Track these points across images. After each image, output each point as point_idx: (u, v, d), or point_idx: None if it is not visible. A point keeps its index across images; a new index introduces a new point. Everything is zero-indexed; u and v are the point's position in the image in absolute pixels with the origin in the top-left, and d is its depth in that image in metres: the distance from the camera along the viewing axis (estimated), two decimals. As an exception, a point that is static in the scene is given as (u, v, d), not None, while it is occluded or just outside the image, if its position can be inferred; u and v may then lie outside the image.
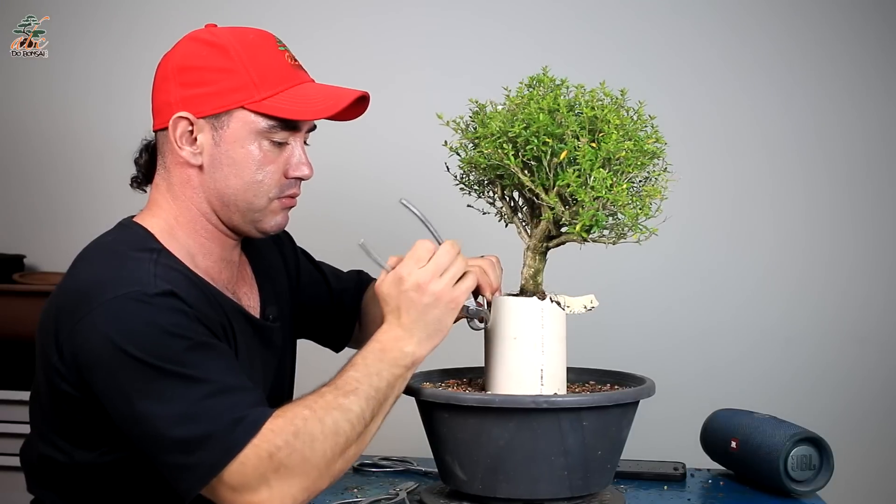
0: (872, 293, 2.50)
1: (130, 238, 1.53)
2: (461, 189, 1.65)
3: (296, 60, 1.59)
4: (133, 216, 1.59)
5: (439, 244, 1.51)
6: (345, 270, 1.96)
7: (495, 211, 1.64)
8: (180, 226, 1.56)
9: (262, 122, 1.52)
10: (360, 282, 1.95)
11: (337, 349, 1.96)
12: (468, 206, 1.65)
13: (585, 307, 1.59)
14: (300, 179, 1.59)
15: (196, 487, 1.37)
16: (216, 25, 1.60)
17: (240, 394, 1.39)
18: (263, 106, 1.52)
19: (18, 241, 2.72)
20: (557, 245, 1.57)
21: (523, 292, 1.58)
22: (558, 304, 1.56)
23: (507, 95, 1.59)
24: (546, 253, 1.58)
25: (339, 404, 1.41)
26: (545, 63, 1.61)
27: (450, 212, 2.52)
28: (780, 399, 2.41)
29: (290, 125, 1.54)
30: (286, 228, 1.86)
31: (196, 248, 1.57)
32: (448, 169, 1.65)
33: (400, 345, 1.48)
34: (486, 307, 1.57)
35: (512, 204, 1.62)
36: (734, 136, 2.51)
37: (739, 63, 2.51)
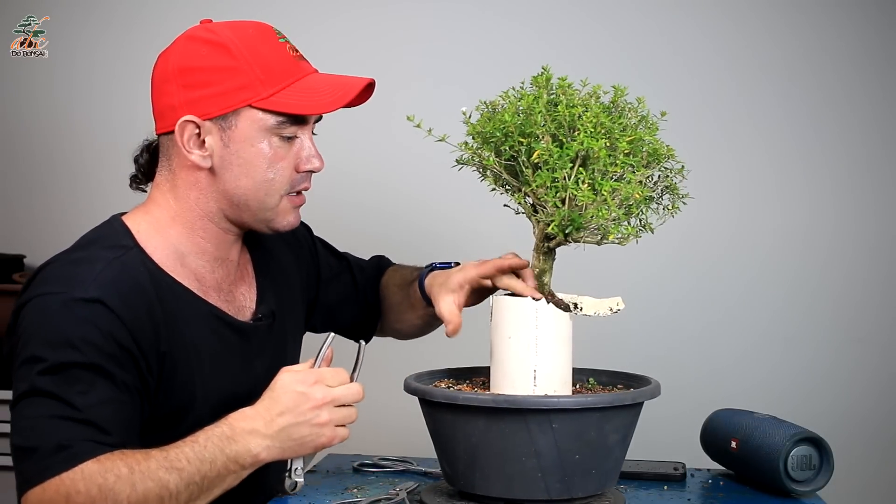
0: (872, 293, 2.50)
1: (106, 234, 1.54)
2: (492, 190, 1.61)
3: (297, 52, 1.57)
4: (125, 212, 1.60)
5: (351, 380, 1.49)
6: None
7: (521, 210, 1.61)
8: (176, 225, 1.56)
9: (271, 119, 1.52)
10: (380, 268, 1.94)
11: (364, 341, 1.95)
12: (504, 205, 1.61)
13: (612, 309, 1.58)
14: (311, 172, 1.59)
15: (21, 494, 1.37)
16: (211, 21, 1.58)
17: (86, 427, 1.37)
18: (271, 102, 1.51)
19: (18, 241, 2.73)
20: (557, 245, 1.56)
21: (529, 292, 1.58)
22: (573, 305, 1.56)
23: (505, 94, 1.58)
24: (550, 253, 1.57)
25: (158, 477, 1.36)
26: (548, 61, 1.60)
27: (449, 212, 2.53)
28: (780, 399, 2.41)
29: (299, 119, 1.54)
30: (304, 221, 1.86)
31: (189, 248, 1.57)
32: (459, 165, 1.63)
33: (248, 440, 1.42)
34: (301, 476, 1.51)
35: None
36: (735, 137, 2.51)
37: (744, 65, 2.51)
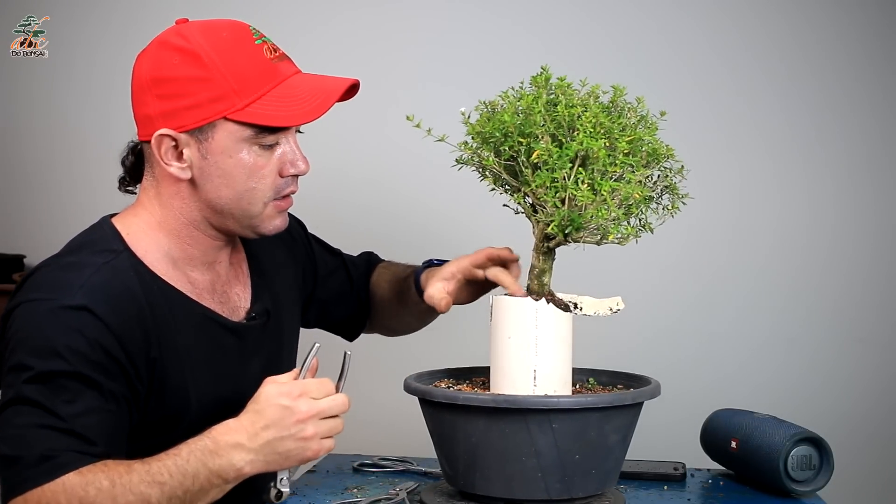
0: (872, 293, 2.50)
1: (96, 237, 1.53)
2: (492, 190, 1.60)
3: (276, 51, 1.52)
4: (114, 214, 1.58)
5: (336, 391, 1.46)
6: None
7: (521, 209, 1.61)
8: (163, 230, 1.54)
9: (248, 130, 1.48)
10: (370, 264, 1.92)
11: (351, 338, 1.94)
12: (504, 205, 1.61)
13: (611, 309, 1.58)
14: (296, 176, 1.56)
15: (5, 502, 1.37)
16: (187, 20, 1.54)
17: (70, 437, 1.36)
18: (246, 114, 1.47)
19: (18, 241, 2.73)
20: (557, 245, 1.56)
21: (529, 293, 1.57)
22: (573, 305, 1.56)
23: (504, 94, 1.58)
24: (550, 253, 1.57)
25: (139, 491, 1.35)
26: (547, 61, 1.59)
27: (449, 212, 2.53)
28: (780, 399, 2.41)
29: (278, 127, 1.50)
30: (299, 217, 1.85)
31: (177, 252, 1.55)
32: (459, 165, 1.62)
33: (232, 454, 1.39)
34: (287, 486, 1.50)
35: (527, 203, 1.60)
36: (735, 137, 2.51)
37: (744, 65, 2.51)
